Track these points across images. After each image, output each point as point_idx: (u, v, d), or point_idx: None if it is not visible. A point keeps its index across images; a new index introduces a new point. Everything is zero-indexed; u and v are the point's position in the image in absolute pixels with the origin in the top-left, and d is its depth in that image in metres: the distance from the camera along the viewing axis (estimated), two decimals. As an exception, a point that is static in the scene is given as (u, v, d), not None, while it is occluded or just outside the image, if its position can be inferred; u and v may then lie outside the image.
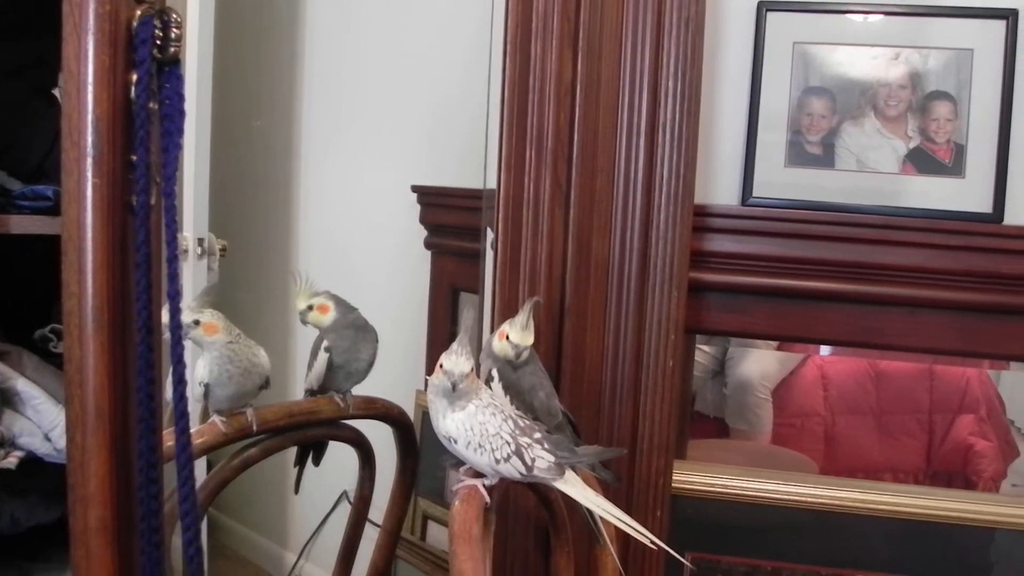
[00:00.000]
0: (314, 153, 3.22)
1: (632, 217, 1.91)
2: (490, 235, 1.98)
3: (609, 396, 1.94)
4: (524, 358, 1.60)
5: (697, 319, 2.05)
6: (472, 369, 1.42)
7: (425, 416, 2.62)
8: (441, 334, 2.73)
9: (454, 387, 1.41)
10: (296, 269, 1.84)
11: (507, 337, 1.59)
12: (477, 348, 1.83)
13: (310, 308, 1.85)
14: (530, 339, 1.58)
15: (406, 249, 2.83)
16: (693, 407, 2.32)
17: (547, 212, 1.92)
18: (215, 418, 1.78)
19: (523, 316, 1.58)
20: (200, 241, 2.76)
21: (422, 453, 2.41)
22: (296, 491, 2.09)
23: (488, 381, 1.61)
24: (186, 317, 1.70)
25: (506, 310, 1.87)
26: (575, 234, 1.89)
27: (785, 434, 2.62)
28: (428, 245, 2.80)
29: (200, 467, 2.42)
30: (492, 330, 1.71)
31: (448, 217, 2.72)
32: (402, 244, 2.85)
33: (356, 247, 2.99)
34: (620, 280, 1.92)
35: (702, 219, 1.99)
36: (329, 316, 1.87)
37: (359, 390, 1.98)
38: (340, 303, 1.89)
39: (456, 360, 1.40)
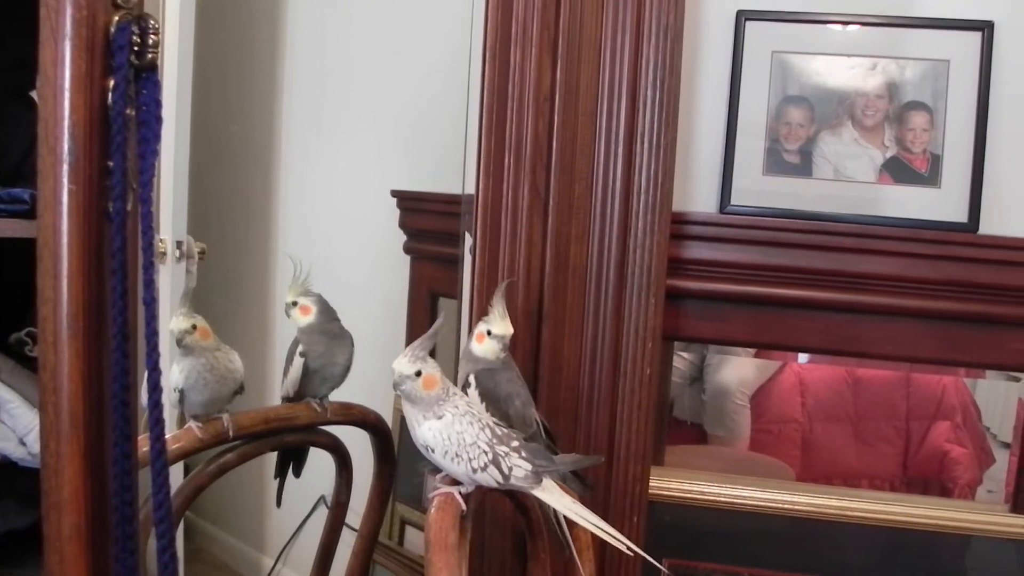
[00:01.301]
0: (294, 157, 3.20)
1: (610, 224, 1.90)
2: (469, 240, 1.97)
3: (586, 403, 1.92)
4: (506, 350, 1.58)
5: (675, 326, 2.04)
6: (417, 372, 1.40)
7: (403, 420, 2.57)
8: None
9: (395, 387, 1.40)
10: (298, 259, 1.81)
11: (488, 335, 1.58)
12: (455, 353, 1.86)
13: (294, 304, 1.84)
14: (510, 328, 1.57)
15: (385, 253, 2.81)
16: (671, 413, 2.31)
17: (525, 218, 1.90)
18: (191, 424, 1.76)
19: (499, 306, 1.57)
20: (179, 244, 2.76)
21: (400, 458, 2.42)
22: (278, 504, 2.06)
23: (465, 387, 1.59)
24: (183, 323, 1.69)
25: (484, 315, 1.87)
26: (553, 240, 1.87)
27: (763, 440, 2.59)
28: (407, 250, 2.77)
29: (177, 472, 2.36)
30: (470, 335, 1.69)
31: (427, 222, 2.70)
32: (381, 248, 2.83)
33: (335, 251, 2.97)
34: (598, 287, 1.91)
35: (680, 226, 1.99)
36: (308, 319, 1.85)
37: (337, 397, 1.96)
38: (324, 309, 1.88)
39: (399, 361, 1.39)
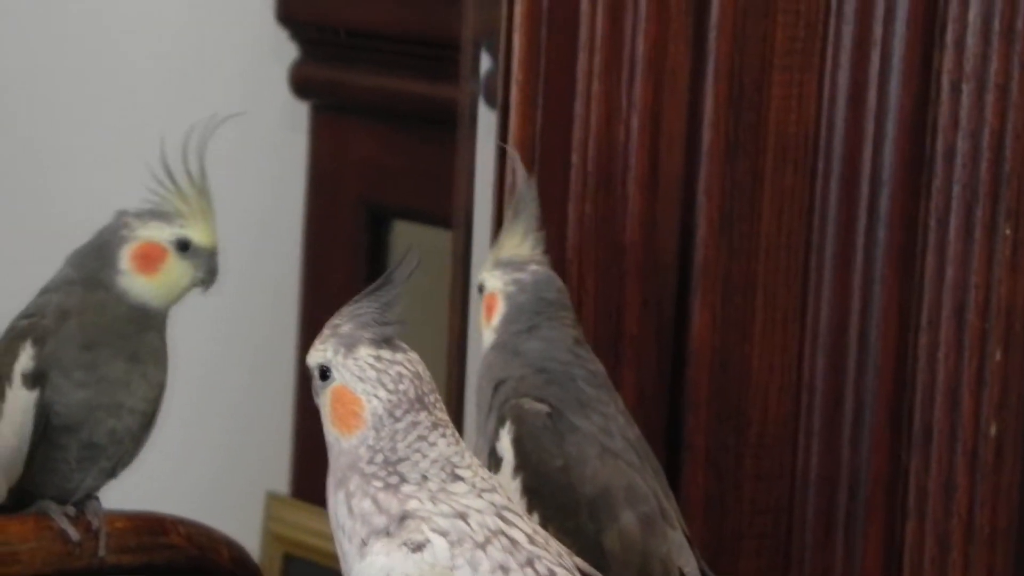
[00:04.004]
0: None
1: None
2: (486, 65, 1.38)
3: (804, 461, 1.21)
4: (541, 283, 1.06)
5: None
6: (345, 352, 0.83)
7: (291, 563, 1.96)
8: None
9: (315, 393, 0.85)
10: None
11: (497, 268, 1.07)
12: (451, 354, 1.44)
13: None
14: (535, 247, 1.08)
15: (256, 96, 1.85)
16: None
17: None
18: None
19: (521, 219, 1.07)
20: None
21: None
22: None
23: (491, 455, 1.01)
24: None
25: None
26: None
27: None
28: (303, 87, 1.81)
29: None
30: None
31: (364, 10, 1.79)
32: (227, 78, 1.85)
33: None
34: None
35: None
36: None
37: (125, 489, 1.19)
38: (79, 261, 1.10)
39: (322, 344, 0.83)
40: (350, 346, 0.82)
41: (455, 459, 0.84)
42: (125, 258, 1.06)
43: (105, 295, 1.10)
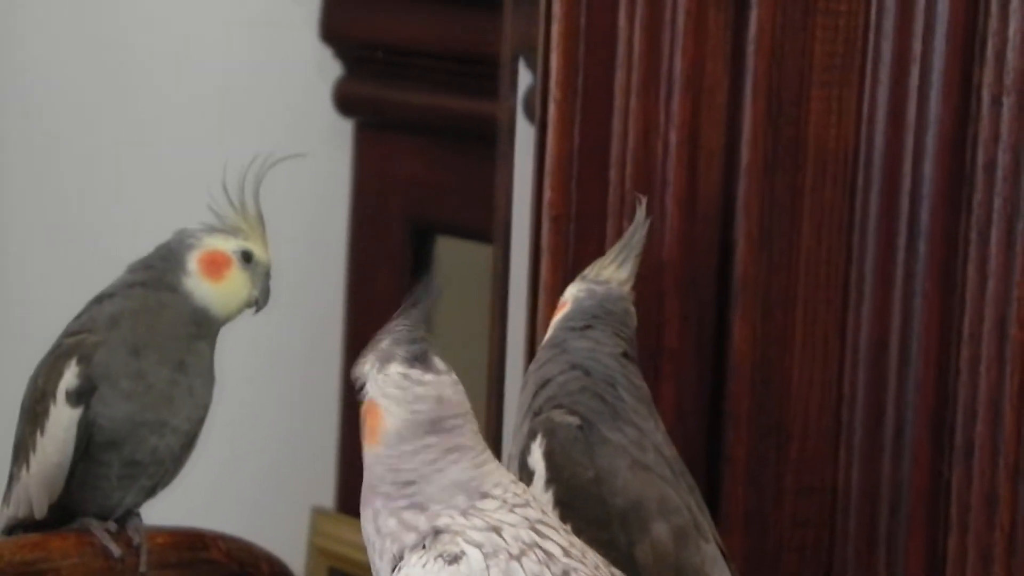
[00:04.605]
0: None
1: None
2: (525, 79, 1.38)
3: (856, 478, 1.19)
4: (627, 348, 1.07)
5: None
6: (387, 366, 0.84)
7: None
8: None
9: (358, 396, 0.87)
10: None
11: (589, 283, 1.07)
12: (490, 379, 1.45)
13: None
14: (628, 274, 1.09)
15: (288, 115, 1.85)
16: None
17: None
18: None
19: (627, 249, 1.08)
20: None
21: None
22: None
23: (524, 454, 1.01)
24: None
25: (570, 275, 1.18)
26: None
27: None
28: (347, 105, 1.80)
29: None
30: (535, 325, 1.16)
31: (403, 26, 1.78)
32: (272, 98, 1.85)
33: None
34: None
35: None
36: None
37: (166, 505, 1.22)
38: (142, 266, 1.14)
39: (364, 357, 0.84)
40: (384, 361, 0.82)
41: (473, 483, 0.83)
42: (193, 260, 1.09)
43: (169, 296, 1.12)
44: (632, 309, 1.09)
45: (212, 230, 1.11)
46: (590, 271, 1.10)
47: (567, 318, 1.07)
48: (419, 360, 0.83)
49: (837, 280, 1.14)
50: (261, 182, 1.09)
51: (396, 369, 0.82)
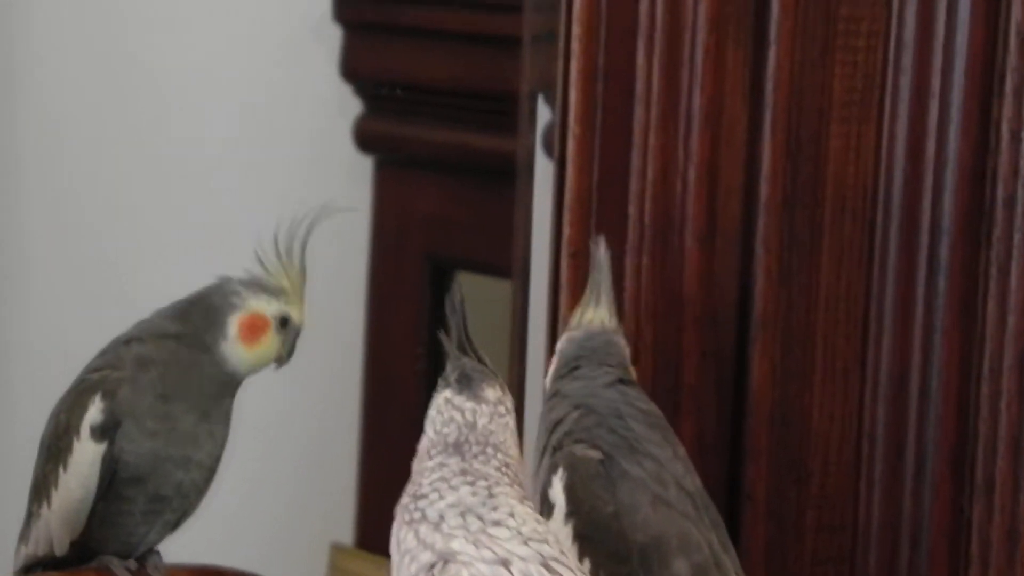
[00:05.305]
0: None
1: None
2: (543, 115, 1.39)
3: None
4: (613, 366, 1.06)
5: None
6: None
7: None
8: (399, 367, 1.73)
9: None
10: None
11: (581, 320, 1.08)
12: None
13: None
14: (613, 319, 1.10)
15: (307, 151, 1.84)
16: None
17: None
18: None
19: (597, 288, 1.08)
20: None
21: None
22: None
23: (543, 501, 1.01)
24: None
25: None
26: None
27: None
28: (367, 143, 1.78)
29: None
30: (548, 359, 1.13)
31: (424, 65, 1.77)
32: (295, 135, 1.84)
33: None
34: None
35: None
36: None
37: (186, 541, 1.20)
38: (180, 316, 1.12)
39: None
40: (445, 382, 0.86)
41: (479, 509, 0.84)
42: (234, 325, 1.08)
43: (203, 356, 1.11)
44: (616, 339, 1.09)
45: (256, 288, 1.09)
46: (571, 321, 1.10)
47: (555, 370, 1.08)
48: (464, 387, 0.85)
49: (857, 315, 1.12)
50: (309, 237, 1.07)
51: (444, 394, 0.85)
